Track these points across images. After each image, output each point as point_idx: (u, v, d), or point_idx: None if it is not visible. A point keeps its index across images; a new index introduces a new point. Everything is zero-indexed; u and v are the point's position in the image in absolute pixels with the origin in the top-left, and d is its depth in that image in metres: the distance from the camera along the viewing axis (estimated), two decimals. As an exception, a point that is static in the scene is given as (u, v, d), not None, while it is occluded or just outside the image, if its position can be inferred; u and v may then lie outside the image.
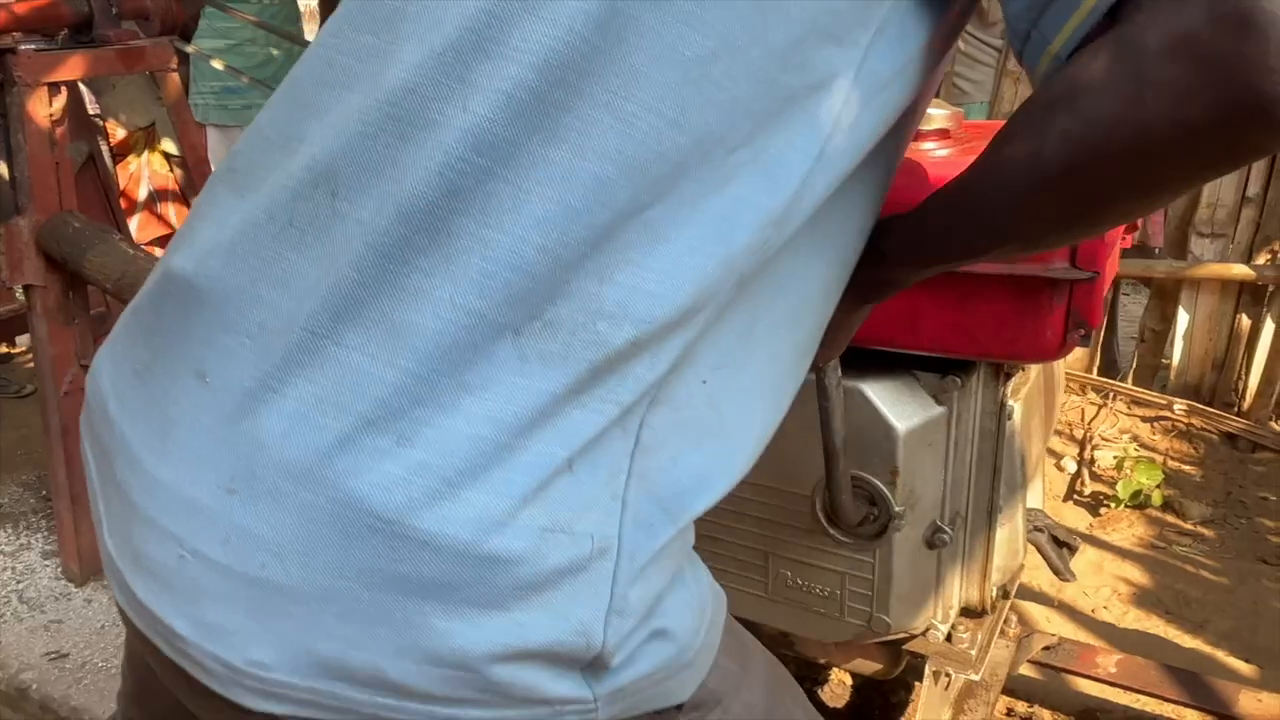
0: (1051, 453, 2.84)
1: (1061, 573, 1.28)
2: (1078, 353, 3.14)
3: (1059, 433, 2.96)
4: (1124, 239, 1.23)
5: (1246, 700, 1.41)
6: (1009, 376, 1.12)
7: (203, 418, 0.53)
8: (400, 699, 0.52)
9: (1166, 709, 1.62)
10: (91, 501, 0.63)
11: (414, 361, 0.50)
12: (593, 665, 0.55)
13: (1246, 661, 1.82)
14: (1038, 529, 1.28)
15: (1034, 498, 1.31)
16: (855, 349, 1.06)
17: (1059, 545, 1.28)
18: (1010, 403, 1.11)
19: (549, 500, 0.52)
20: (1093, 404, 3.06)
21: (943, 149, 1.06)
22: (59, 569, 2.14)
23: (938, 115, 1.07)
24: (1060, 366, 1.38)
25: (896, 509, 1.08)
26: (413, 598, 0.50)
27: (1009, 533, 1.19)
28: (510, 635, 0.52)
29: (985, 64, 3.06)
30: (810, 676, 1.74)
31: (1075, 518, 2.51)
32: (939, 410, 1.08)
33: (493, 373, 0.51)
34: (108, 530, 0.60)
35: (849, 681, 1.74)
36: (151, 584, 0.56)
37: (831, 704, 1.73)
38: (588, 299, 0.51)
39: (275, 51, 3.40)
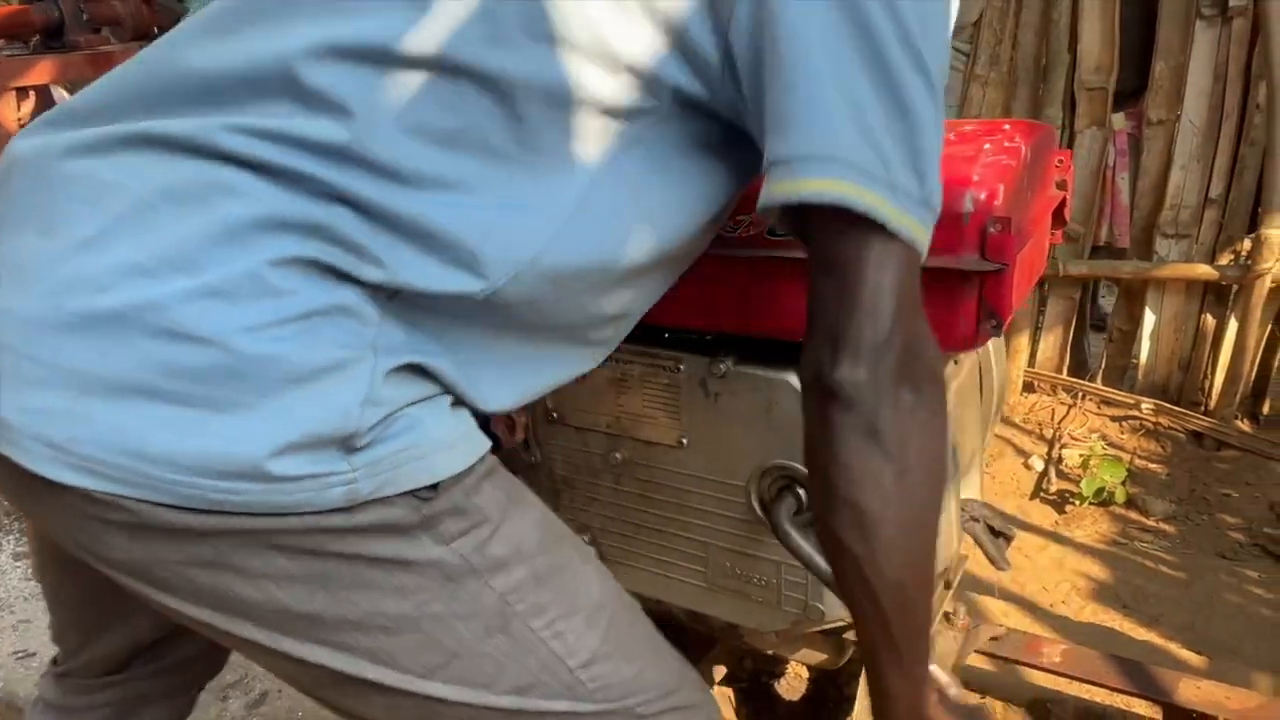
0: (1020, 452, 2.87)
1: (997, 561, 1.31)
2: (1049, 352, 3.17)
3: (1028, 431, 2.99)
4: (1052, 235, 1.26)
5: (1186, 688, 1.44)
6: (937, 368, 1.15)
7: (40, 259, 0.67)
8: (193, 477, 0.64)
9: (1117, 699, 1.65)
10: None
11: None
12: (349, 443, 0.66)
13: (1198, 653, 1.85)
14: (974, 519, 1.31)
15: (971, 489, 1.34)
16: (782, 342, 1.10)
17: (995, 535, 1.31)
18: (939, 394, 1.14)
19: (314, 305, 0.65)
20: (1063, 404, 3.10)
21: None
22: (28, 570, 2.16)
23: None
24: (999, 360, 1.41)
25: (826, 498, 1.10)
26: (198, 388, 0.63)
27: (942, 523, 1.22)
28: (282, 429, 0.64)
29: (954, 68, 3.09)
30: (766, 670, 1.76)
31: (1041, 516, 2.54)
32: (867, 401, 1.10)
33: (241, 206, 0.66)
34: None
35: (805, 675, 1.76)
36: None
37: (788, 696, 1.75)
38: None
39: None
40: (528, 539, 0.78)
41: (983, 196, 0.93)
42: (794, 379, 1.09)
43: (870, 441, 0.67)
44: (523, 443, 1.32)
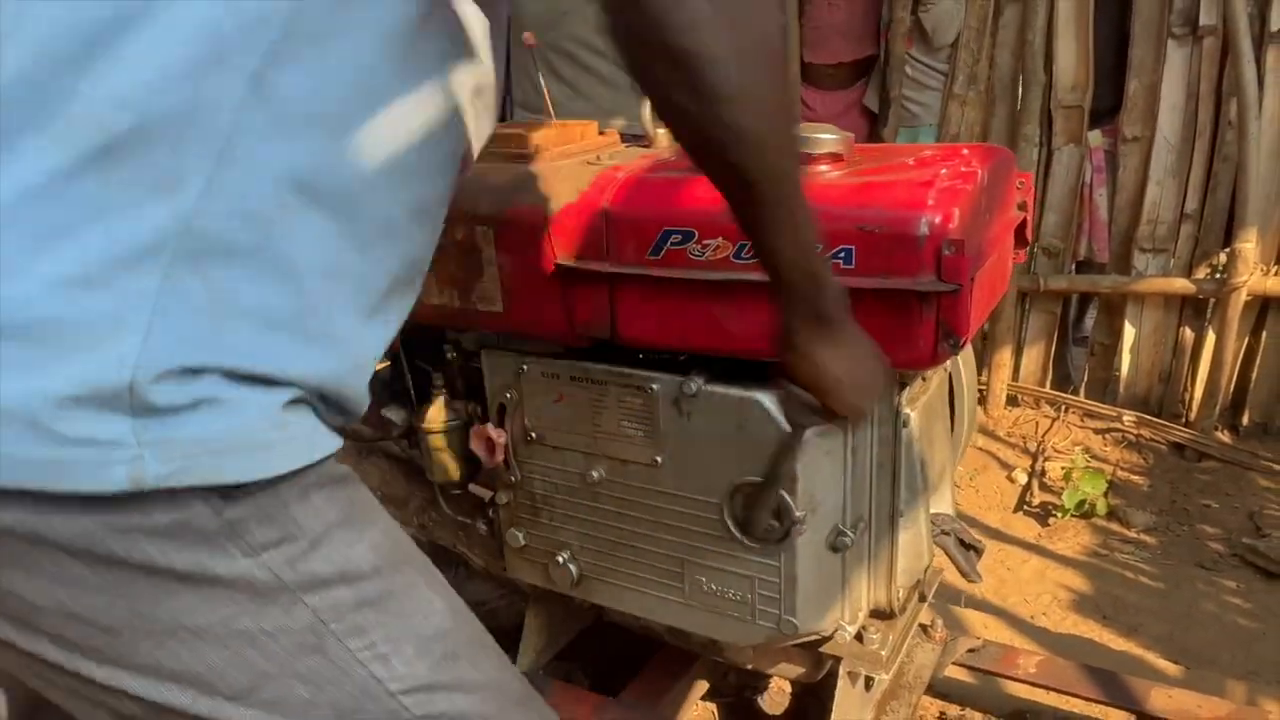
0: (1003, 465, 2.90)
1: (968, 574, 1.33)
2: (1032, 366, 3.21)
3: (1012, 445, 3.02)
4: (1015, 255, 1.29)
5: (1159, 697, 1.46)
6: (903, 386, 1.18)
7: None
8: None
9: (1094, 710, 1.67)
10: None
11: None
12: (135, 408, 0.61)
13: (1175, 663, 1.87)
14: (944, 532, 1.34)
15: (941, 504, 1.37)
16: (752, 361, 1.13)
17: (965, 548, 1.34)
18: (905, 410, 1.17)
19: (86, 256, 0.61)
20: (1046, 417, 3.13)
21: (834, 171, 1.12)
22: None
23: (828, 139, 1.13)
24: (969, 376, 1.44)
25: (797, 514, 1.13)
26: None
27: (913, 536, 1.25)
28: (56, 380, 0.60)
29: (932, 88, 3.15)
30: (749, 685, 1.78)
31: (1024, 528, 2.57)
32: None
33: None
34: None
35: (787, 689, 1.78)
36: None
37: (771, 711, 1.77)
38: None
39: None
40: (358, 561, 0.72)
41: (938, 220, 0.96)
42: (764, 397, 1.12)
43: None
44: (502, 463, 1.34)
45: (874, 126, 3.44)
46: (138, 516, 0.63)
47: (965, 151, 1.12)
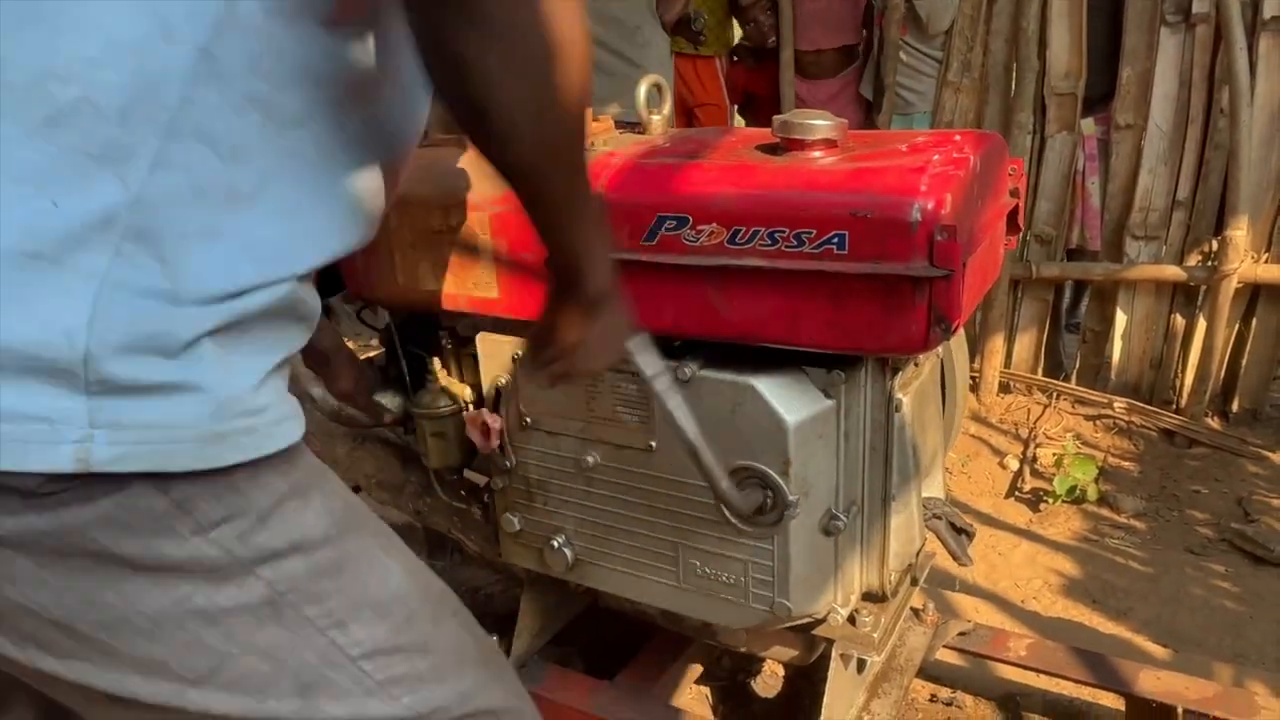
0: (995, 451, 2.92)
1: (959, 558, 1.35)
2: (1024, 353, 3.23)
3: (1004, 431, 3.04)
4: (1007, 242, 1.30)
5: (1146, 678, 1.48)
6: (896, 371, 1.19)
7: None
8: None
9: (1084, 692, 1.69)
10: None
11: None
12: (89, 386, 0.60)
13: (1163, 646, 1.89)
14: (936, 516, 1.35)
15: (933, 487, 1.38)
16: (746, 346, 1.13)
17: (956, 532, 1.35)
18: (898, 395, 1.18)
19: (34, 229, 0.60)
20: (1038, 403, 3.14)
21: (828, 158, 1.13)
22: None
23: (823, 125, 1.14)
24: (960, 361, 1.45)
25: (790, 498, 1.14)
26: None
27: (905, 520, 1.26)
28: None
29: (927, 74, 3.15)
30: (743, 668, 1.80)
31: (1016, 514, 2.59)
32: (828, 403, 1.14)
33: None
34: None
35: (781, 673, 1.80)
36: None
37: (764, 694, 1.78)
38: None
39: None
40: (310, 529, 0.72)
41: (930, 206, 0.97)
42: (758, 383, 1.13)
43: None
44: (498, 448, 1.35)
45: (867, 114, 3.45)
46: (80, 503, 0.62)
47: (957, 138, 1.13)
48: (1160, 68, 2.79)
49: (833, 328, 1.05)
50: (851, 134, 1.20)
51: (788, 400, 1.13)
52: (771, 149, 1.18)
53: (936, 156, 1.04)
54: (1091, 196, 3.03)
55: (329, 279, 1.45)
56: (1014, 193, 1.26)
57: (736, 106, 3.90)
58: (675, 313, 1.13)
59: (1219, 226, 2.81)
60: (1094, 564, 2.26)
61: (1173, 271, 2.88)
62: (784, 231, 1.03)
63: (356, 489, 2.19)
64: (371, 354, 1.75)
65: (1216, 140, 2.76)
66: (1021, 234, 1.89)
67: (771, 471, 1.14)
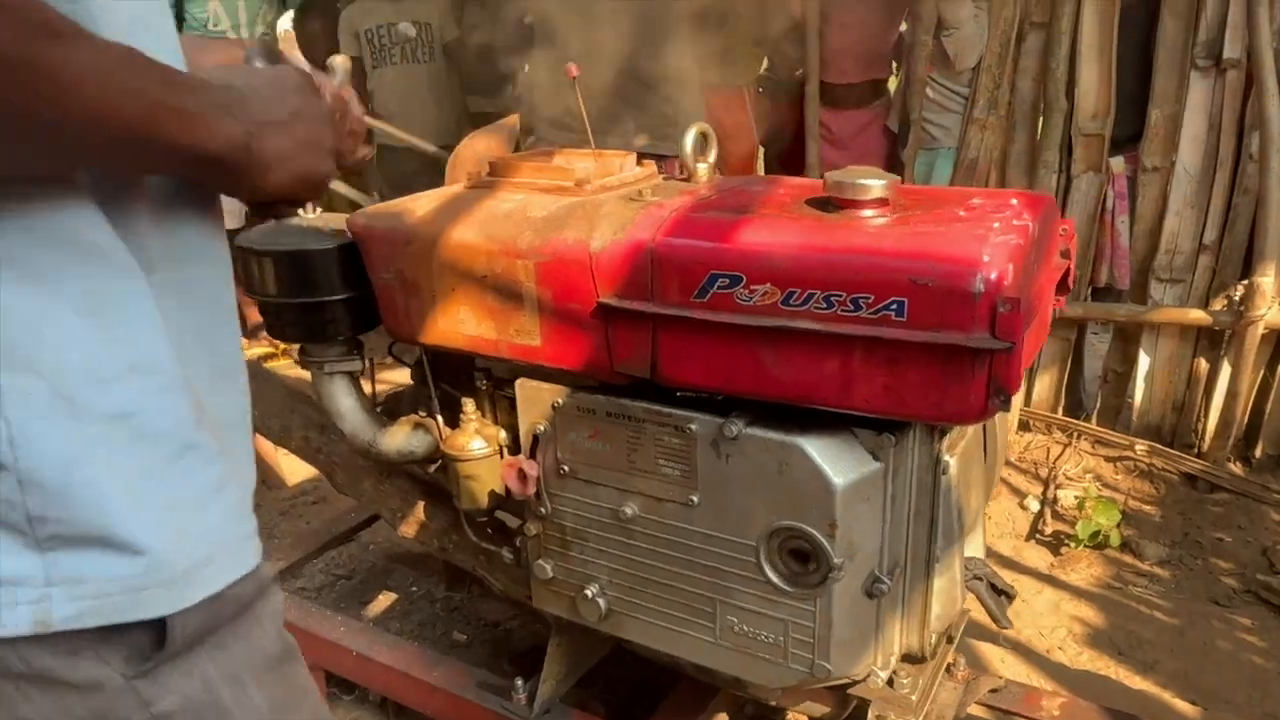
0: (1015, 491, 2.89)
1: (999, 620, 1.33)
2: (1045, 392, 3.21)
3: (1024, 471, 3.01)
4: (1056, 301, 1.29)
5: (1182, 743, 1.46)
6: (944, 433, 1.18)
7: None
8: None
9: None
10: None
11: None
12: (39, 539, 0.58)
13: (1192, 704, 1.87)
14: (977, 577, 1.33)
15: (974, 547, 1.36)
16: (795, 407, 1.12)
17: (997, 593, 1.33)
18: (945, 458, 1.17)
19: None
20: (1058, 443, 3.12)
21: (881, 218, 1.11)
22: None
23: (876, 185, 1.13)
24: (1002, 419, 1.43)
25: (835, 561, 1.12)
26: None
27: (947, 581, 1.24)
28: None
29: (953, 110, 3.14)
30: (766, 719, 1.78)
31: (1036, 557, 2.56)
32: (875, 466, 1.13)
33: None
34: None
35: (805, 721, 1.77)
36: None
37: (788, 744, 1.76)
38: None
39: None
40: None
41: (993, 277, 0.95)
42: (806, 443, 1.11)
43: None
44: (533, 495, 1.34)
45: (893, 147, 3.45)
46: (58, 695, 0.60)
47: (1014, 201, 1.12)
48: (1189, 111, 2.78)
49: (888, 393, 1.03)
50: (903, 190, 1.19)
51: (836, 462, 1.11)
52: (823, 205, 1.17)
53: (997, 224, 1.02)
54: (1121, 236, 3.02)
55: (364, 313, 1.44)
56: (1065, 254, 1.25)
57: (762, 136, 3.90)
58: (724, 370, 1.12)
59: (1245, 271, 2.79)
60: (1119, 613, 2.23)
61: (1198, 315, 2.86)
62: (840, 295, 1.02)
63: (371, 520, 2.18)
64: (401, 388, 1.74)
65: (1245, 185, 2.75)
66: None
67: (817, 533, 1.13)
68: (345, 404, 1.53)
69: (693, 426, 1.18)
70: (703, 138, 1.34)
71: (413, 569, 2.36)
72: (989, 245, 0.98)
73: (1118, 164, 2.97)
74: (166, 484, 0.64)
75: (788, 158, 4.01)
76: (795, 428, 1.13)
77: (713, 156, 1.37)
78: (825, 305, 1.03)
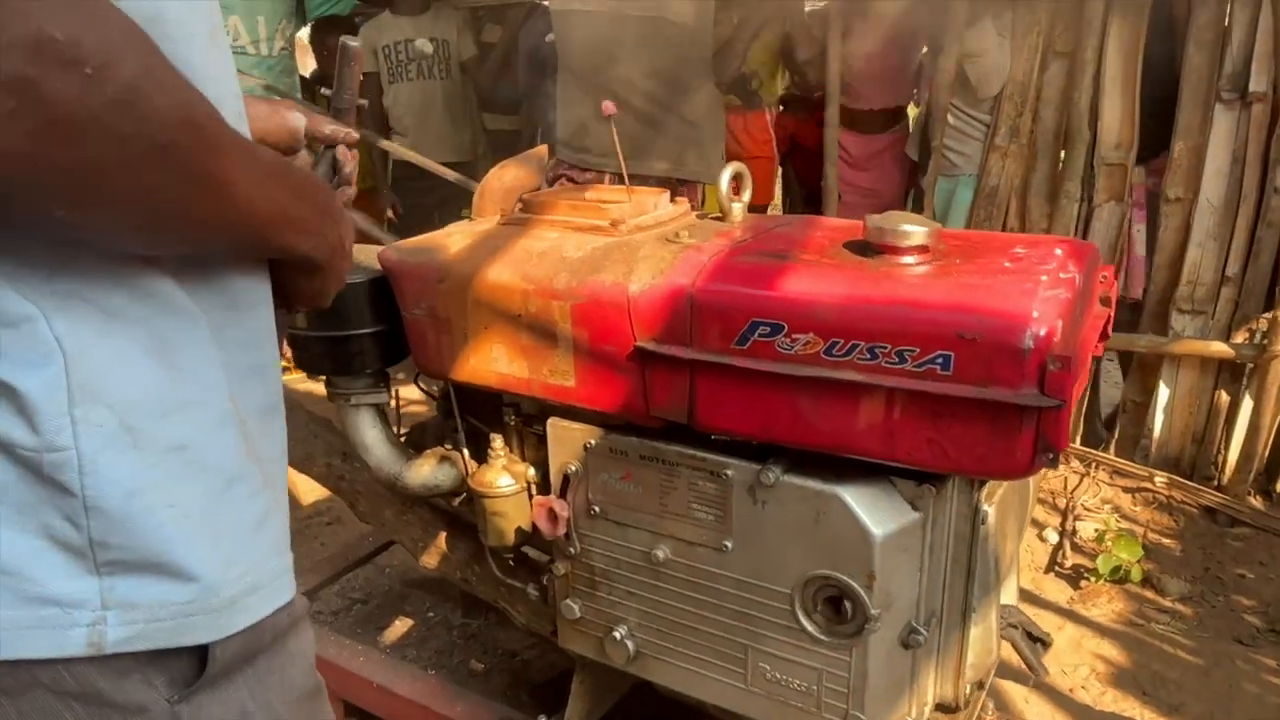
0: (1034, 523, 2.87)
1: (1036, 670, 1.31)
2: (1061, 420, 3.18)
3: (1042, 501, 2.99)
4: (1096, 348, 1.27)
5: (1215, 795, 1.43)
6: (983, 482, 1.16)
7: None
8: None
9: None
10: None
11: None
12: (99, 564, 0.60)
13: (1220, 748, 1.84)
14: (1011, 625, 1.31)
15: (1008, 593, 1.34)
16: (834, 456, 1.11)
17: (1032, 641, 1.31)
18: (984, 507, 1.15)
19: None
20: (1076, 473, 3.10)
21: (921, 265, 1.10)
22: None
23: (918, 231, 1.12)
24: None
25: (873, 612, 1.11)
26: None
27: (983, 631, 1.22)
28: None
29: (974, 138, 3.14)
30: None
31: (1056, 590, 2.54)
32: (915, 516, 1.12)
33: None
34: None
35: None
36: None
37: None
38: None
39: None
40: None
41: (1042, 333, 0.94)
42: (845, 493, 1.10)
43: None
44: (564, 535, 1.32)
45: (910, 171, 3.44)
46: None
47: (1059, 251, 1.11)
48: (1214, 143, 2.77)
49: (931, 447, 1.02)
50: (944, 234, 1.18)
51: (875, 512, 1.10)
52: (862, 249, 1.16)
53: (1044, 276, 1.01)
54: (1136, 244, 2.99)
55: (392, 346, 1.43)
56: (1105, 301, 1.24)
57: (781, 155, 3.91)
58: (763, 418, 1.11)
59: (1269, 304, 2.77)
60: (1142, 652, 2.21)
61: (1220, 348, 2.84)
62: (885, 347, 1.01)
63: (388, 544, 2.16)
64: (425, 419, 1.73)
65: (1269, 219, 2.73)
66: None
67: (854, 584, 1.11)
68: (371, 436, 1.52)
69: (728, 472, 1.17)
70: (738, 178, 1.33)
71: (429, 594, 2.34)
72: (1038, 300, 0.97)
73: (1137, 174, 2.94)
74: (217, 514, 0.66)
75: (805, 174, 4.01)
76: (833, 476, 1.12)
77: (747, 196, 1.36)
78: (869, 356, 1.02)
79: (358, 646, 1.82)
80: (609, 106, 1.33)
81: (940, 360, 0.98)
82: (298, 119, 0.91)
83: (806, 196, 4.00)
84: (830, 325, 1.03)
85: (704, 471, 1.19)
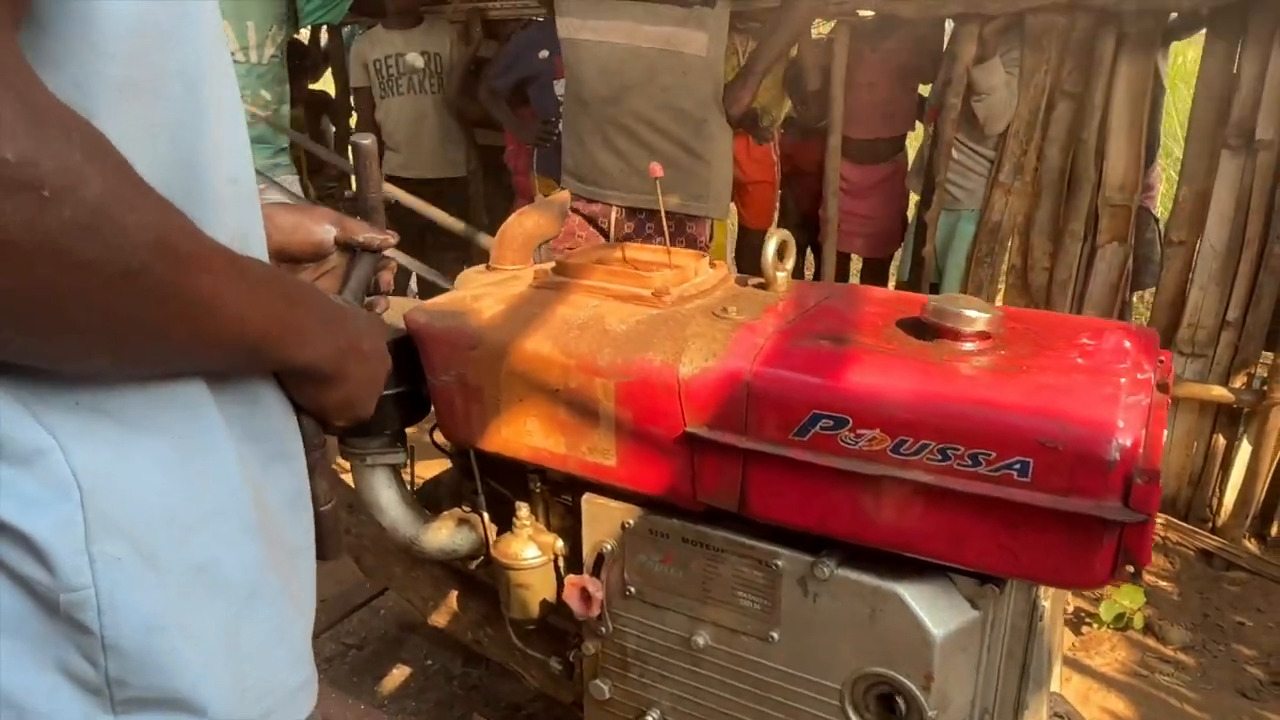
0: (1033, 564, 2.86)
1: (1079, 761, 1.28)
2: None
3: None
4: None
5: None
6: (1041, 578, 1.12)
7: None
8: None
9: None
10: None
11: None
12: (113, 699, 0.57)
13: (1235, 813, 1.83)
14: (1058, 715, 1.28)
15: (1053, 681, 1.31)
16: (894, 555, 1.06)
17: (1077, 732, 1.28)
18: (1042, 603, 1.12)
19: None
20: (1071, 511, 3.09)
21: (984, 356, 1.06)
22: None
23: (978, 317, 1.08)
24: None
25: (930, 714, 1.07)
26: None
27: (1029, 715, 1.19)
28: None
29: (977, 173, 3.12)
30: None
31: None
32: (974, 615, 1.08)
33: None
34: None
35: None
36: None
37: None
38: None
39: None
40: None
41: (1128, 444, 0.90)
42: (903, 590, 1.06)
43: None
44: (596, 615, 1.27)
45: (908, 203, 3.42)
46: None
47: (1128, 345, 1.07)
48: (1219, 189, 2.77)
49: (1002, 552, 0.98)
50: (1005, 315, 1.14)
51: (934, 611, 1.06)
52: (919, 330, 1.12)
53: (1123, 380, 0.98)
54: None
55: (410, 407, 1.37)
56: (1162, 387, 1.20)
57: (780, 178, 3.89)
58: (821, 512, 1.06)
59: (1270, 347, 2.78)
60: (1149, 705, 2.19)
61: (1220, 392, 2.84)
62: (958, 449, 0.96)
63: (382, 590, 2.09)
64: (439, 475, 1.66)
65: (1271, 265, 2.74)
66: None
67: (910, 684, 1.07)
68: (386, 497, 1.45)
69: (778, 562, 1.12)
70: (783, 246, 1.29)
71: (426, 640, 2.27)
72: (1121, 407, 0.93)
73: None
74: (237, 634, 0.63)
75: (801, 199, 3.99)
76: (890, 571, 1.07)
77: (790, 264, 1.31)
78: (940, 458, 0.97)
79: (361, 705, 1.75)
80: (656, 168, 1.28)
81: (1018, 466, 0.94)
82: (326, 231, 0.85)
83: (801, 222, 3.98)
84: (898, 422, 0.99)
85: (752, 559, 1.14)
